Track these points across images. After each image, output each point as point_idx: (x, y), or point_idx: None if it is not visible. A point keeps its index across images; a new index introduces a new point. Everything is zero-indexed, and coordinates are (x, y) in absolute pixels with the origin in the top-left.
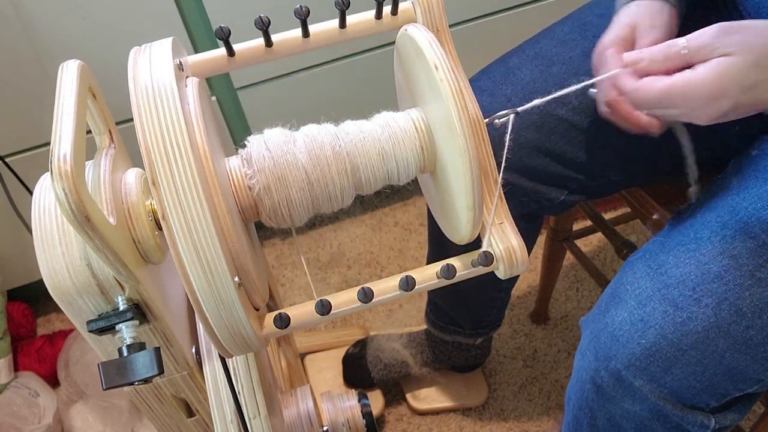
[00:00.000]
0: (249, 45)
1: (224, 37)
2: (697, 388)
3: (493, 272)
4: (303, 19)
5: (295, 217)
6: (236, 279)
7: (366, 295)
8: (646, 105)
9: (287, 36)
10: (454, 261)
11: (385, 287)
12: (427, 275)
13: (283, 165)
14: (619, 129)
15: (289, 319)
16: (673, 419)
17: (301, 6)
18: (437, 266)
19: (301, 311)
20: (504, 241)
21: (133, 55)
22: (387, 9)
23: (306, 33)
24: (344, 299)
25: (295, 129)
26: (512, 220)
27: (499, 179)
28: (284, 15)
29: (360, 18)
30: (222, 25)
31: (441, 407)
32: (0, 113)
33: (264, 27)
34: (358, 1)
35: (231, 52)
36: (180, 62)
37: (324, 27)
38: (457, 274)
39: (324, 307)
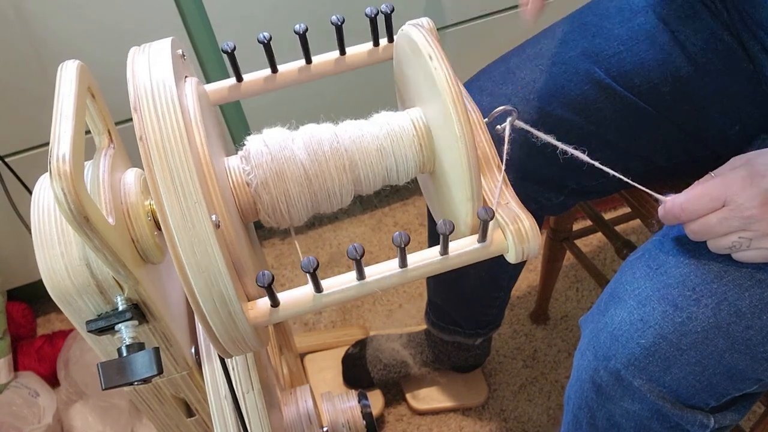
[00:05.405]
0: (254, 76)
1: (229, 51)
2: (696, 388)
3: (494, 272)
4: (302, 33)
5: (294, 214)
6: (214, 218)
7: (356, 251)
8: (695, 213)
9: (291, 66)
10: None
11: (383, 267)
12: (427, 252)
13: (281, 160)
14: (619, 129)
15: (272, 277)
16: (673, 419)
17: (300, 25)
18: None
19: (291, 293)
20: (512, 219)
21: (132, 54)
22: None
23: (308, 58)
24: (338, 280)
25: (294, 129)
26: (519, 201)
27: (503, 164)
28: (283, 20)
29: (360, 49)
30: (228, 42)
31: (441, 407)
32: (0, 113)
33: (266, 41)
34: (354, 22)
35: (239, 76)
36: (182, 52)
37: (326, 57)
38: (460, 252)
39: (310, 264)
